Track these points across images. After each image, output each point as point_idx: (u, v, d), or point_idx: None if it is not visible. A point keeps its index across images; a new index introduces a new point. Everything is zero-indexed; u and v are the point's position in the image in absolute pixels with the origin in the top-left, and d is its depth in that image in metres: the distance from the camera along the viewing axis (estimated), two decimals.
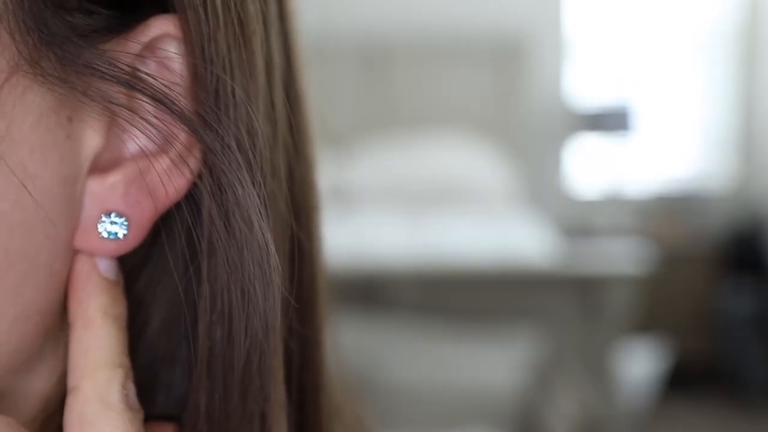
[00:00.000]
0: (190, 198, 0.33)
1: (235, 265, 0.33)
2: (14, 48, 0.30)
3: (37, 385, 0.34)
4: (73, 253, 0.33)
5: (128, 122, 0.32)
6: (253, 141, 0.33)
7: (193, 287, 0.34)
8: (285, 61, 0.37)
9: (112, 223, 0.33)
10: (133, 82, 0.31)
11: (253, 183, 0.33)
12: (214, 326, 0.33)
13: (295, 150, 0.38)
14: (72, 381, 0.32)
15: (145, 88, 0.32)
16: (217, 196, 0.33)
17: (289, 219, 0.36)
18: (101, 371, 0.32)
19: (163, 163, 0.33)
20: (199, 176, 0.33)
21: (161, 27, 0.32)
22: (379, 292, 2.53)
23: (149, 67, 0.33)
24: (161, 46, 0.33)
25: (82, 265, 0.33)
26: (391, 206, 3.45)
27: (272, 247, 0.33)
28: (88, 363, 0.32)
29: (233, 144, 0.32)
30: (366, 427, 0.44)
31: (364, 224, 3.19)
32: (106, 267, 0.33)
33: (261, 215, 0.33)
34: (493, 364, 2.27)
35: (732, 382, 3.94)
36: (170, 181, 0.33)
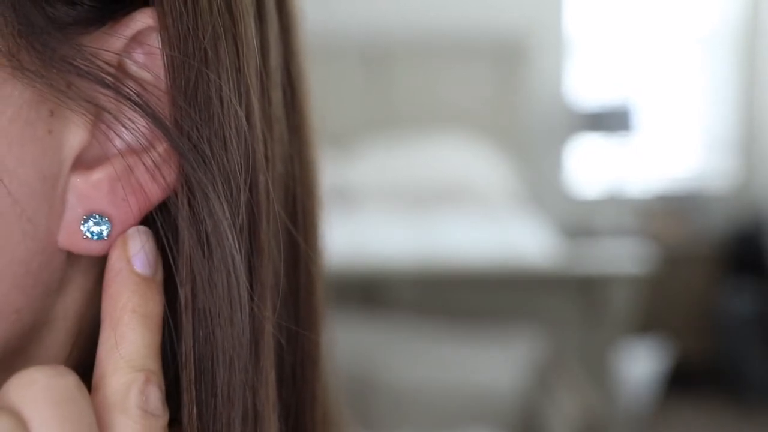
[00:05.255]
0: (165, 205, 0.32)
1: (203, 281, 0.32)
2: None
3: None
4: (58, 252, 0.32)
5: (111, 122, 0.31)
6: (238, 139, 0.32)
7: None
8: (284, 59, 0.35)
9: (95, 223, 0.31)
10: (112, 84, 0.30)
11: (229, 195, 0.31)
12: (189, 348, 0.32)
13: (294, 149, 0.36)
14: (94, 380, 0.31)
15: (124, 90, 0.30)
16: (192, 204, 0.31)
17: (285, 219, 0.35)
18: (121, 374, 0.30)
19: (148, 161, 0.31)
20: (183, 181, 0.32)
21: (146, 20, 0.31)
22: (380, 293, 2.53)
23: (136, 63, 0.31)
24: (147, 41, 0.31)
25: (114, 260, 0.32)
26: (391, 206, 3.44)
27: (240, 267, 0.32)
28: (109, 364, 0.31)
29: (209, 154, 0.31)
30: None
31: (364, 224, 3.18)
32: (142, 263, 0.32)
33: (234, 230, 0.31)
34: (493, 364, 2.27)
35: (733, 382, 3.93)
36: (155, 180, 0.31)
